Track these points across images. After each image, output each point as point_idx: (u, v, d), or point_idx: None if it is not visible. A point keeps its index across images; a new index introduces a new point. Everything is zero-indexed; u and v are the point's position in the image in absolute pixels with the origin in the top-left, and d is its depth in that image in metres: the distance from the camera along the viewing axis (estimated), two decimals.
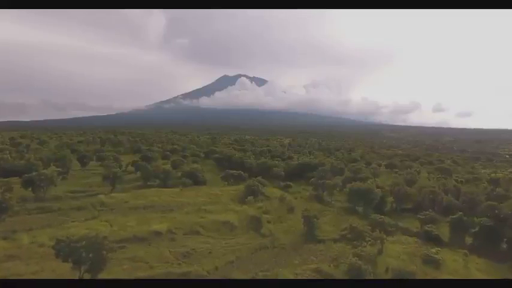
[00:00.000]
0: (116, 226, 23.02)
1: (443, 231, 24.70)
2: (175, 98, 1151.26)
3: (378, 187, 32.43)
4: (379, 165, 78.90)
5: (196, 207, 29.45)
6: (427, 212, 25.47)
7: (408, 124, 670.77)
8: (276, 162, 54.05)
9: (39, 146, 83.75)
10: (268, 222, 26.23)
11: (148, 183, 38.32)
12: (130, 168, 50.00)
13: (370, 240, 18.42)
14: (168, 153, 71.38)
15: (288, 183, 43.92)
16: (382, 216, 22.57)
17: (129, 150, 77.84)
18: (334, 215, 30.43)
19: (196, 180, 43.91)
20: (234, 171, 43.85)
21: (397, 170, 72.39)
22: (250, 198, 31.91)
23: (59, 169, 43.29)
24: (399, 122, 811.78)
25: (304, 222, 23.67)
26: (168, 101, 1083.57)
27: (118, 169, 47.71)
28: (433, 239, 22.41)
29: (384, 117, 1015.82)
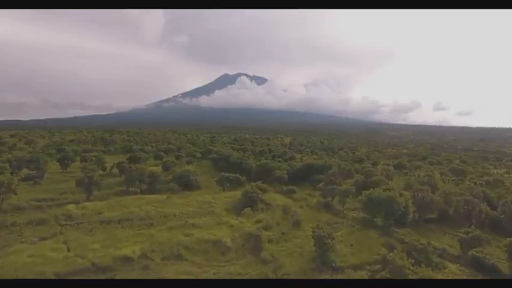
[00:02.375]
0: (74, 250, 17.98)
1: (494, 254, 19.59)
2: (175, 97, 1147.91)
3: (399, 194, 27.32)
4: (387, 165, 73.74)
5: (183, 220, 24.39)
6: (469, 229, 20.41)
7: (409, 123, 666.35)
8: (278, 163, 48.96)
9: (25, 146, 78.90)
10: (270, 241, 21.15)
11: (131, 189, 33.21)
12: (115, 170, 45.13)
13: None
14: (161, 153, 66.22)
15: (292, 187, 38.86)
16: (424, 242, 17.39)
17: (121, 150, 72.86)
18: (349, 229, 25.38)
19: (188, 184, 38.99)
20: (231, 174, 38.77)
21: (407, 171, 67.47)
22: (247, 210, 26.79)
23: (32, 172, 38.37)
24: (400, 120, 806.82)
25: (316, 243, 18.63)
26: (167, 100, 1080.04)
27: (100, 171, 42.88)
28: (486, 269, 17.30)
29: (384, 116, 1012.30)
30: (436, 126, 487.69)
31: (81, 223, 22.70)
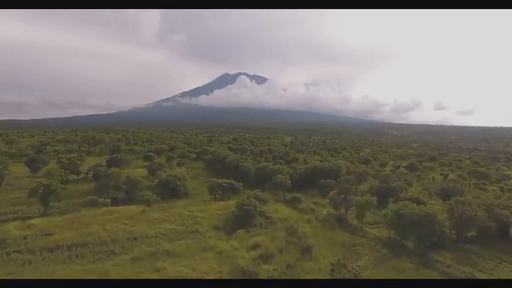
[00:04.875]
0: None
1: None
2: (174, 96, 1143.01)
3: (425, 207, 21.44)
4: (397, 167, 67.91)
5: (155, 245, 18.42)
6: None
7: (410, 122, 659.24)
8: (279, 166, 43.06)
9: (5, 146, 73.01)
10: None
11: (100, 199, 27.18)
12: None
13: None
14: (151, 154, 60.21)
15: (296, 195, 33.00)
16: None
17: (108, 151, 66.97)
18: (374, 255, 19.48)
19: (175, 191, 33.27)
20: (224, 180, 32.84)
21: (420, 174, 61.52)
22: (241, 232, 20.87)
23: None
24: (400, 120, 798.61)
25: None
26: (167, 100, 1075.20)
27: (74, 176, 37.03)
28: None
29: (385, 116, 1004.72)
30: (437, 125, 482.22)
31: (14, 252, 16.78)
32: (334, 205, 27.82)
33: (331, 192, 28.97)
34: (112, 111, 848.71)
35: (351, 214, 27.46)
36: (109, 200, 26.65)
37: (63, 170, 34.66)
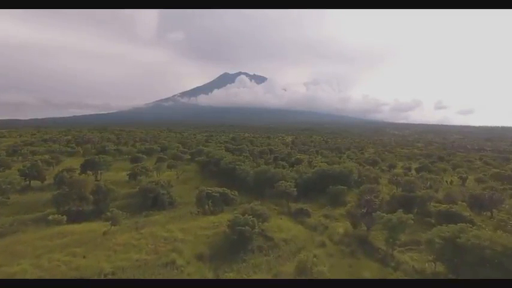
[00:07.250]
0: None
1: None
2: (174, 96, 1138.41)
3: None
4: (409, 169, 62.02)
5: None
6: None
7: (410, 122, 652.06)
8: (282, 169, 37.25)
9: None
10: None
11: (50, 217, 21.17)
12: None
13: None
14: (140, 155, 54.43)
15: (303, 206, 27.17)
16: None
17: (94, 151, 61.16)
18: None
19: (158, 201, 27.56)
20: (216, 189, 26.92)
21: (436, 176, 55.63)
22: (229, 275, 14.96)
23: None
24: (401, 119, 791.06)
25: None
26: (167, 99, 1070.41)
27: (38, 183, 31.13)
28: None
29: (385, 115, 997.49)
30: (438, 125, 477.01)
31: None
32: (352, 221, 21.99)
33: (348, 205, 23.10)
34: (112, 111, 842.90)
35: (373, 231, 21.75)
36: (64, 217, 20.66)
37: (20, 176, 28.68)
